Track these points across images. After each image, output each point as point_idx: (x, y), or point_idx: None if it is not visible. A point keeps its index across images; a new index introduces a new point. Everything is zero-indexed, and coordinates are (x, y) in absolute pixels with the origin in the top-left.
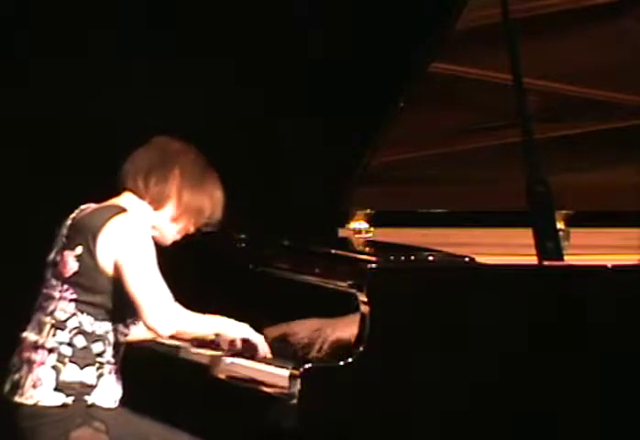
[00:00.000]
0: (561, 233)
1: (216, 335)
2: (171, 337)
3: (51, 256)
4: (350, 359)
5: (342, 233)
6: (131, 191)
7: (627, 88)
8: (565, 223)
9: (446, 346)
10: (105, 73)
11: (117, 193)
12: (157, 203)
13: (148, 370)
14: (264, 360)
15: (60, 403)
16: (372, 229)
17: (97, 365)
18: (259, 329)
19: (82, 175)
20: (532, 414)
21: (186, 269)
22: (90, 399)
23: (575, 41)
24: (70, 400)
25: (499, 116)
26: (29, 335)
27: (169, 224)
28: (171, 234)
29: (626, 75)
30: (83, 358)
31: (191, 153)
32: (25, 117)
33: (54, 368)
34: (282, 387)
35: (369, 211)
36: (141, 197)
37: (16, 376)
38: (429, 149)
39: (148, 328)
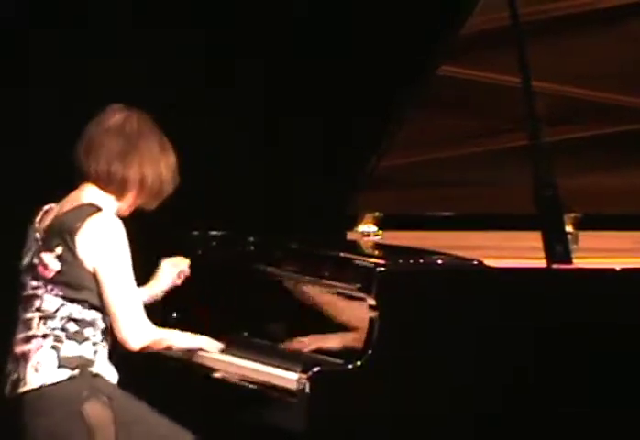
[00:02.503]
0: (570, 236)
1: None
2: (140, 351)
3: (26, 260)
4: (359, 362)
5: (350, 236)
6: (92, 182)
7: (636, 91)
8: (573, 226)
9: (455, 349)
10: (105, 73)
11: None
12: (119, 194)
13: (150, 371)
14: (270, 362)
15: (66, 377)
16: (381, 232)
17: (92, 341)
18: (266, 333)
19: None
20: (539, 416)
21: (195, 272)
22: (94, 369)
23: (584, 44)
24: (76, 372)
25: (507, 119)
26: (18, 335)
27: (127, 207)
28: (131, 208)
29: (635, 78)
30: (80, 335)
31: (148, 132)
32: (25, 117)
33: (54, 347)
34: (291, 390)
35: (377, 214)
36: (103, 189)
37: (15, 375)
38: (438, 153)
39: (119, 341)
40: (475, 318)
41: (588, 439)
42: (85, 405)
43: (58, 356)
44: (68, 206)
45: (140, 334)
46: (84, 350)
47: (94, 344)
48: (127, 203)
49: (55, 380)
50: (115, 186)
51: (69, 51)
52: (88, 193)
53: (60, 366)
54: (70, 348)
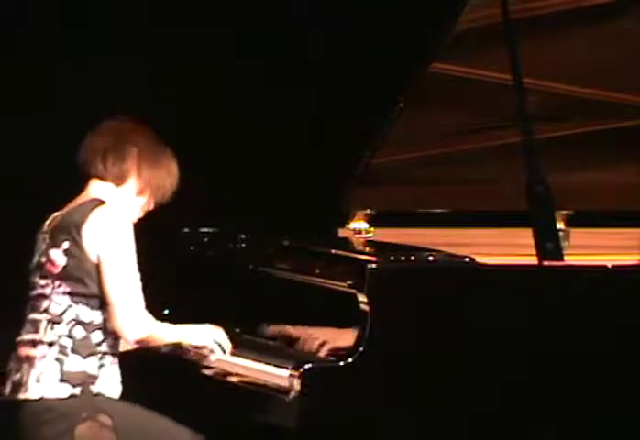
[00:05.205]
0: (561, 233)
1: (178, 344)
2: (137, 343)
3: (35, 259)
4: (350, 359)
5: (342, 233)
6: (94, 176)
7: (627, 88)
8: (565, 223)
9: (446, 346)
10: (105, 73)
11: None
12: (119, 180)
13: (148, 370)
14: (261, 360)
15: (67, 395)
16: (372, 229)
17: (99, 355)
18: (257, 329)
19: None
20: (533, 414)
21: (186, 269)
22: (95, 388)
23: (575, 41)
24: (77, 390)
25: (499, 117)
26: (25, 337)
27: (133, 199)
28: (135, 210)
29: (626, 75)
30: (85, 348)
31: (143, 131)
32: (25, 117)
33: (57, 360)
34: (282, 387)
35: (369, 211)
36: (103, 179)
37: (17, 376)
38: (429, 150)
39: (116, 331)
40: (466, 315)
41: (580, 435)
42: (79, 426)
43: (61, 369)
44: (73, 204)
45: (138, 325)
46: (89, 365)
47: (102, 356)
48: (132, 193)
49: (56, 396)
50: (112, 175)
51: (69, 51)
52: (92, 190)
53: (62, 380)
54: (74, 363)
